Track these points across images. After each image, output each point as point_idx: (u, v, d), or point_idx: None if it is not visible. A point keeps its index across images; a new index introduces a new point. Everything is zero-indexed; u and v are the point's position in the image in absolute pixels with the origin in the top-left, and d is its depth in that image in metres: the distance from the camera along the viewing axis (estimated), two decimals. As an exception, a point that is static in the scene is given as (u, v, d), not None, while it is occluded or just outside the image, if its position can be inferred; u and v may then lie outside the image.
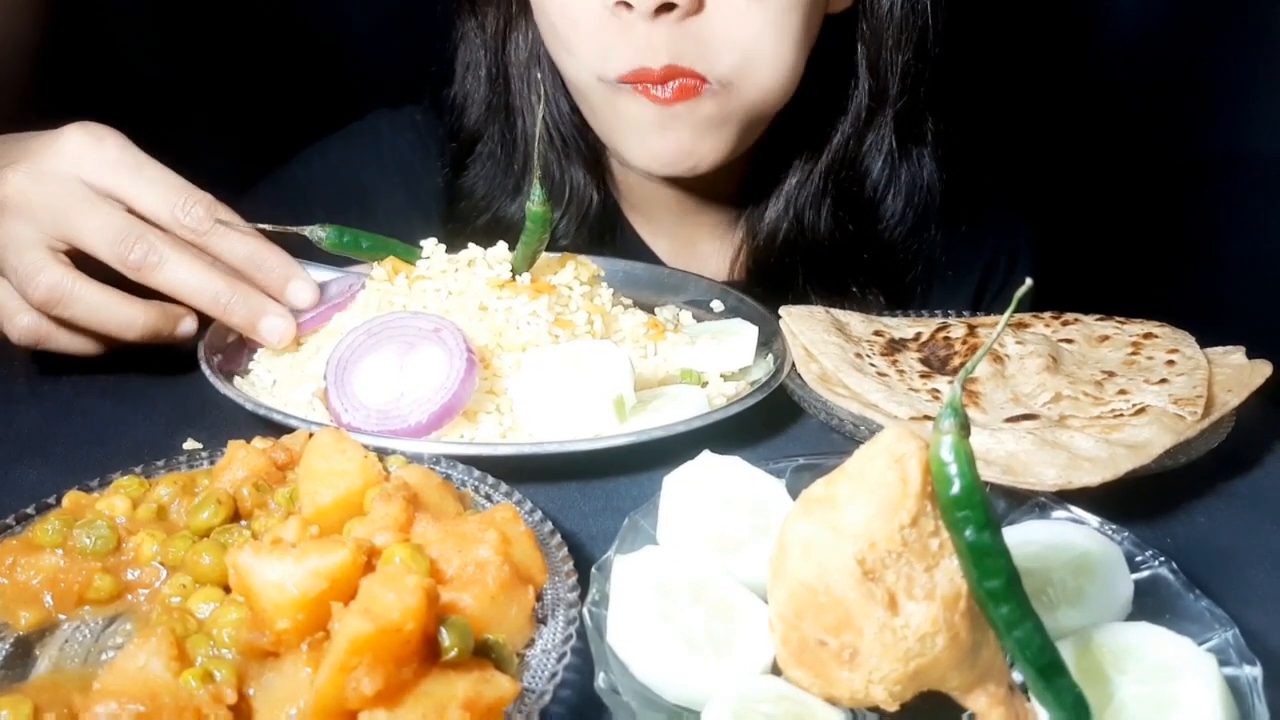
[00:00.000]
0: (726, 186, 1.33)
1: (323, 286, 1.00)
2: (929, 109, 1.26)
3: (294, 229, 0.99)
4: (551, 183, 1.27)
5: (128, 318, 0.90)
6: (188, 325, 0.93)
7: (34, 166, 0.88)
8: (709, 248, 1.38)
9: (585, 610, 0.60)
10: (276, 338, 0.94)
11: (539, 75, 1.23)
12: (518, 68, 1.25)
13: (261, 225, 0.98)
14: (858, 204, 1.27)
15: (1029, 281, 0.51)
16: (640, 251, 1.35)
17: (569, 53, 1.11)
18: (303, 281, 0.96)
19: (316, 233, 1.00)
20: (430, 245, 1.00)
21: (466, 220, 1.30)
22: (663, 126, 1.09)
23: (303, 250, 1.03)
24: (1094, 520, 0.71)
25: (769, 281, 1.27)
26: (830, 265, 1.28)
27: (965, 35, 1.24)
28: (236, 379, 0.93)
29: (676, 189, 1.33)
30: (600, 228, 1.32)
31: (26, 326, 0.90)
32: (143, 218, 0.89)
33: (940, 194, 1.28)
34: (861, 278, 1.29)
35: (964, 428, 0.50)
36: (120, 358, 1.01)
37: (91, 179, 0.88)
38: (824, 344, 0.98)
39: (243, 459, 0.69)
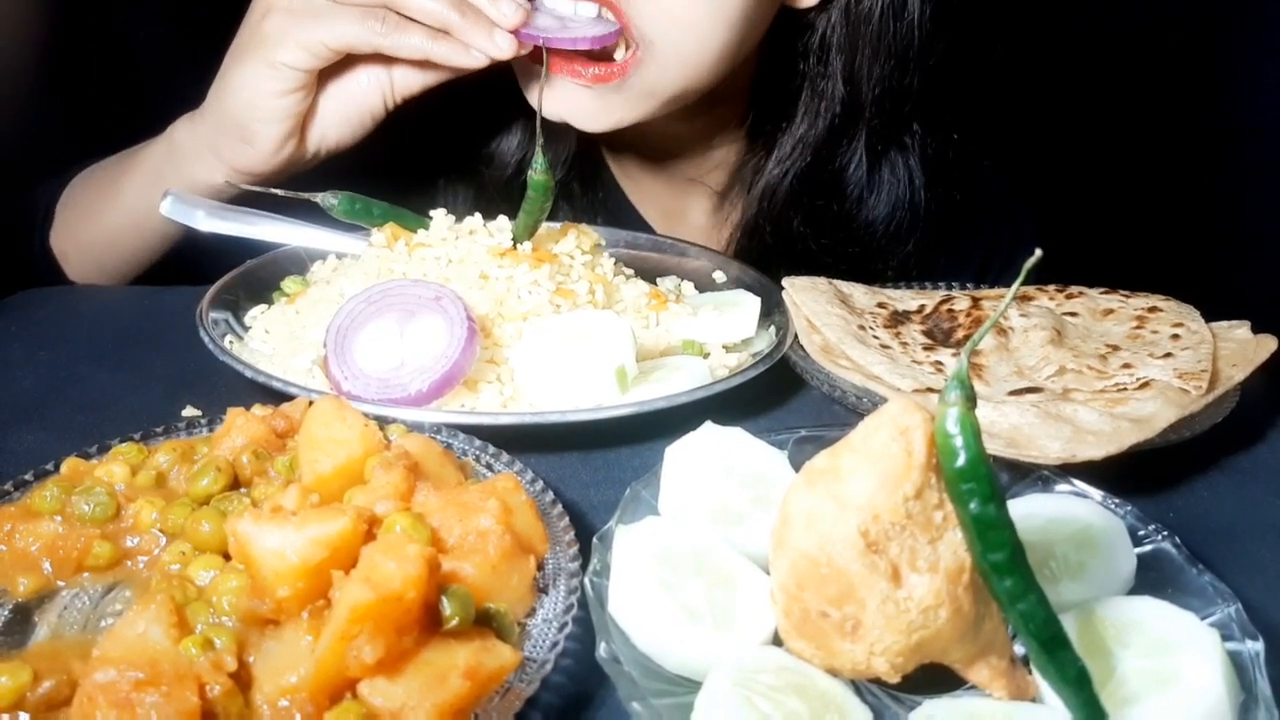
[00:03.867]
0: (714, 177, 1.32)
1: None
2: (917, 120, 1.21)
3: (305, 195, 0.99)
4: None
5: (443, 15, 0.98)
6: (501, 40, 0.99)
7: None
8: (700, 223, 1.37)
9: (587, 580, 0.60)
10: (506, 46, 0.99)
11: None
12: None
13: (274, 190, 0.98)
14: (834, 209, 1.24)
15: (1038, 252, 0.50)
16: (635, 226, 1.35)
17: None
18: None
19: (328, 200, 0.99)
20: (439, 215, 0.99)
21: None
22: (566, 89, 1.06)
23: (315, 217, 1.04)
24: (1097, 494, 0.71)
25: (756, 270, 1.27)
26: (812, 265, 1.25)
27: (959, 28, 1.19)
28: (236, 346, 0.92)
29: (664, 167, 1.32)
30: (589, 177, 1.32)
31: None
32: None
33: (924, 206, 1.24)
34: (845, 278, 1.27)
35: (970, 400, 0.49)
36: (118, 325, 1.01)
37: None
38: (827, 315, 0.97)
39: (242, 426, 0.69)
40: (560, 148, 1.27)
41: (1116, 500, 0.70)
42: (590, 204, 1.31)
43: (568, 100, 1.07)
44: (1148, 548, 0.66)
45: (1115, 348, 0.93)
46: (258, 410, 0.72)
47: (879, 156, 1.22)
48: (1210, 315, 0.97)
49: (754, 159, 1.25)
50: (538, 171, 0.94)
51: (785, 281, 1.04)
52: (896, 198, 1.23)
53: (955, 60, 1.19)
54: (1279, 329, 0.93)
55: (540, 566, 0.62)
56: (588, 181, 1.32)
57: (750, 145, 1.26)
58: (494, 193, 1.24)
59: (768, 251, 1.25)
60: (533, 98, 1.09)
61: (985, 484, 0.49)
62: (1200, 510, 0.80)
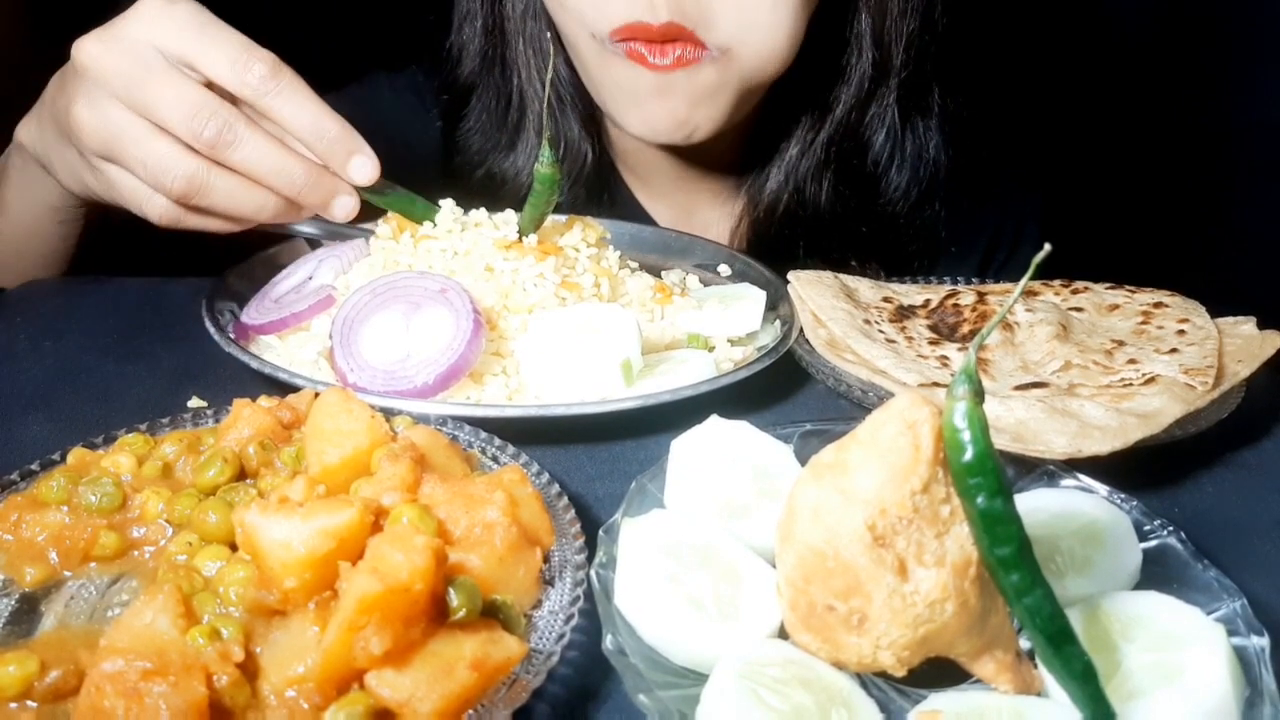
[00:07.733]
0: (727, 155, 1.31)
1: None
2: (936, 81, 1.23)
3: None
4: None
5: (260, 202, 0.90)
6: (343, 203, 0.93)
7: (108, 32, 0.86)
8: (709, 216, 1.37)
9: (592, 572, 0.60)
10: (343, 214, 0.94)
11: (535, 30, 1.21)
12: (514, 21, 1.23)
13: None
14: (859, 177, 1.25)
15: (1047, 246, 0.50)
16: (639, 218, 1.34)
17: (563, 6, 1.08)
18: (365, 157, 0.92)
19: None
20: (447, 207, 0.99)
21: (462, 175, 1.29)
22: (659, 93, 1.06)
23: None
24: (1103, 489, 0.71)
25: (769, 253, 1.26)
26: (831, 238, 1.26)
27: (974, 3, 1.21)
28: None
29: (675, 156, 1.32)
30: (597, 186, 1.31)
31: (165, 210, 0.89)
32: (212, 84, 0.87)
33: (946, 169, 1.26)
34: (862, 251, 1.27)
35: (977, 394, 0.50)
36: (124, 316, 1.01)
37: (163, 45, 0.86)
38: (832, 310, 0.97)
39: (248, 418, 0.69)
40: (574, 165, 1.27)
41: (1122, 495, 0.70)
42: (598, 206, 1.30)
43: (659, 111, 1.08)
44: (1153, 543, 0.66)
45: (1121, 343, 0.93)
46: (264, 401, 0.71)
47: (905, 120, 1.23)
48: (1216, 311, 0.97)
49: (771, 138, 1.26)
50: (544, 164, 0.94)
51: (791, 275, 1.04)
52: (921, 160, 1.25)
53: (969, 24, 1.20)
54: (1285, 325, 0.93)
55: (546, 559, 0.62)
56: (597, 192, 1.32)
57: (766, 123, 1.26)
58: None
59: (794, 222, 1.25)
60: (627, 116, 1.11)
61: (992, 478, 0.49)
62: (1205, 506, 0.80)
